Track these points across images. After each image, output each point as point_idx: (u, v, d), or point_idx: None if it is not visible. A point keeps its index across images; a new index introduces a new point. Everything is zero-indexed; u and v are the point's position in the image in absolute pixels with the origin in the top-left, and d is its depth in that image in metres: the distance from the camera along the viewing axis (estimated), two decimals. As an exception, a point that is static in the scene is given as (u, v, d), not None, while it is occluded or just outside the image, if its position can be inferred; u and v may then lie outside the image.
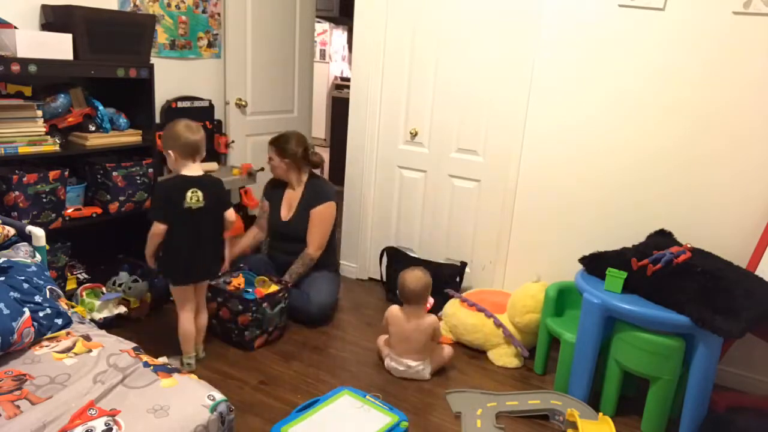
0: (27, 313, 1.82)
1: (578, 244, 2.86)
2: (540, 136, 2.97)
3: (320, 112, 8.24)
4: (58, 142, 2.71)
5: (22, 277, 1.96)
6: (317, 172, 3.29)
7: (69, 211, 2.81)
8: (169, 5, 3.44)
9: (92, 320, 2.60)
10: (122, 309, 2.83)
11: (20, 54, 2.50)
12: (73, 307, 2.25)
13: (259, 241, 3.38)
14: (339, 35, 8.74)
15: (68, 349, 1.82)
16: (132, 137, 3.05)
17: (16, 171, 2.61)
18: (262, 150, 4.18)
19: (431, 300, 2.93)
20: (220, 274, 2.80)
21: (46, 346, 1.83)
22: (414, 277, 2.60)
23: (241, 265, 3.07)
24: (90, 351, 1.82)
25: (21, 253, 2.10)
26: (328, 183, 3.28)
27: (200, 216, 2.40)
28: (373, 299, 3.44)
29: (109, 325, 2.70)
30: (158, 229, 2.37)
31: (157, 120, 3.39)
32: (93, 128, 2.90)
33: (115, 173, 2.94)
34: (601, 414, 2.31)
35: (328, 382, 2.53)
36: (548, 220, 3.03)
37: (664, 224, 2.69)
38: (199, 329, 2.59)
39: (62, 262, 2.89)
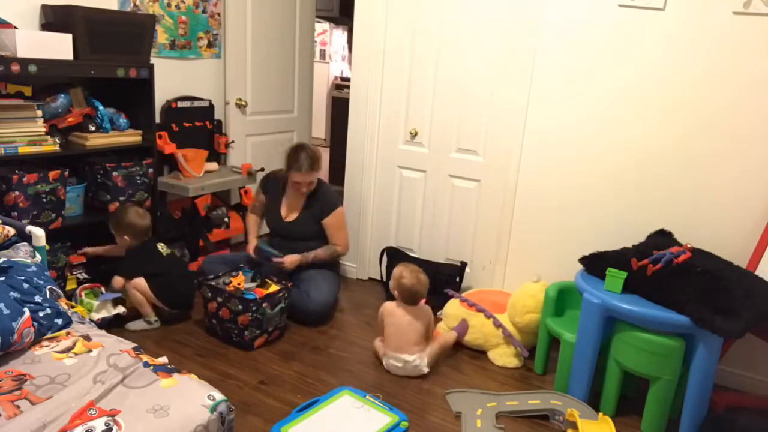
0: (27, 313, 1.82)
1: (578, 244, 2.86)
2: (540, 136, 2.97)
3: (320, 112, 8.24)
4: (58, 142, 2.72)
5: (22, 277, 1.96)
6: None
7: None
8: (169, 5, 3.44)
9: (91, 320, 2.60)
10: (121, 309, 2.82)
11: (20, 54, 2.51)
12: (73, 307, 2.25)
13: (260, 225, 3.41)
14: (339, 35, 8.74)
15: (68, 349, 1.82)
16: (132, 137, 3.05)
17: (16, 171, 2.61)
18: (262, 150, 4.20)
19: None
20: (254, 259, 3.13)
21: (46, 346, 1.83)
22: (420, 282, 2.62)
23: (241, 265, 3.08)
24: (90, 351, 1.82)
25: (21, 253, 2.10)
26: (328, 186, 3.28)
27: (172, 257, 2.89)
28: (373, 299, 3.44)
29: (107, 325, 2.70)
30: (118, 284, 2.82)
31: (158, 120, 3.39)
32: (93, 128, 2.90)
33: (115, 173, 2.94)
34: (601, 414, 2.31)
35: (328, 382, 2.53)
36: (548, 220, 3.03)
37: (664, 224, 2.69)
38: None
39: (62, 262, 2.89)
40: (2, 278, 1.92)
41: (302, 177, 3.03)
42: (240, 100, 3.93)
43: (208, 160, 3.64)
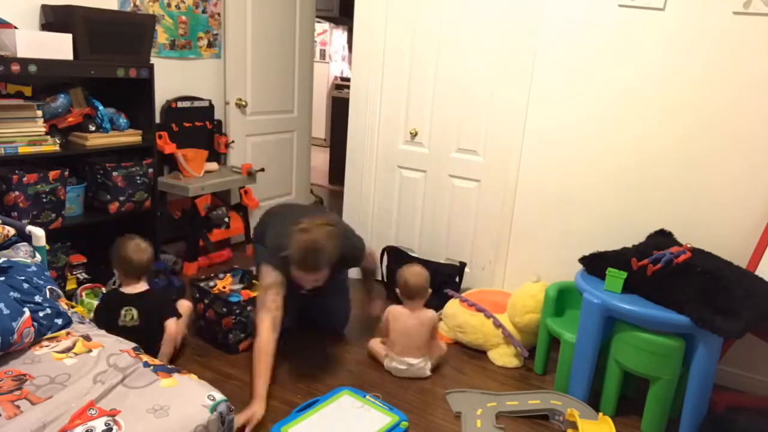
0: (27, 313, 1.82)
1: (578, 244, 2.86)
2: (540, 136, 2.97)
3: (320, 112, 8.24)
4: (58, 142, 2.72)
5: (22, 277, 1.96)
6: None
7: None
8: (169, 5, 3.44)
9: (90, 320, 2.60)
10: None
11: (20, 54, 2.51)
12: (73, 307, 2.25)
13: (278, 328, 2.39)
14: (339, 35, 8.74)
15: (68, 349, 1.82)
16: (132, 137, 3.05)
17: (16, 171, 2.61)
18: (262, 150, 4.20)
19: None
20: None
21: (46, 346, 1.83)
22: (414, 273, 2.63)
23: (235, 266, 3.03)
24: (90, 351, 1.82)
25: (21, 253, 2.10)
26: (351, 232, 2.70)
27: (135, 331, 2.32)
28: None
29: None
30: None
31: (158, 120, 3.39)
32: (93, 128, 2.90)
33: (115, 173, 2.94)
34: (601, 414, 2.32)
35: (328, 382, 2.53)
36: (548, 220, 3.03)
37: (664, 224, 2.69)
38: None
39: (62, 262, 2.89)
40: (2, 278, 1.92)
41: (305, 276, 2.32)
42: (240, 100, 3.93)
43: (208, 160, 3.65)
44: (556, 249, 3.02)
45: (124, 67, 2.88)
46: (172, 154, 3.42)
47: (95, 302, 2.74)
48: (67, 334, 1.92)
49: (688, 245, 2.45)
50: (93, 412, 1.50)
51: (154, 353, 2.33)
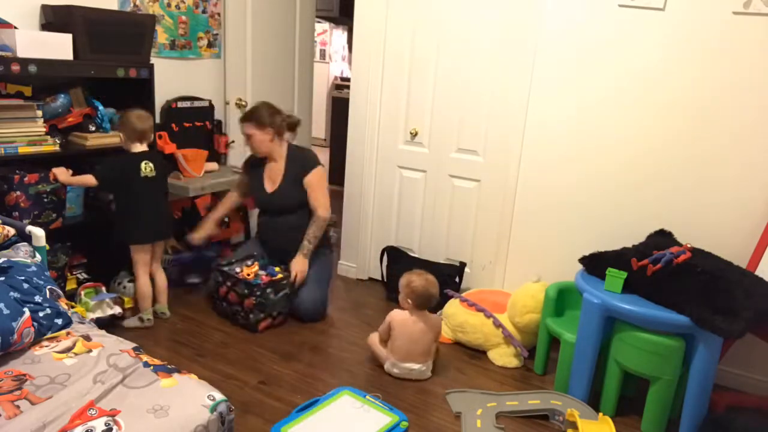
0: (27, 313, 1.82)
1: (578, 244, 2.86)
2: (540, 136, 2.97)
3: (320, 112, 8.24)
4: (58, 142, 2.72)
5: (22, 277, 1.96)
6: (294, 135, 3.26)
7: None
8: (169, 5, 3.44)
9: (91, 320, 2.60)
10: (117, 310, 2.81)
11: (20, 54, 2.51)
12: (73, 307, 2.25)
13: (236, 204, 3.40)
14: (339, 35, 8.74)
15: (68, 349, 1.82)
16: (132, 137, 3.05)
17: (17, 171, 2.61)
18: (262, 150, 4.19)
19: None
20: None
21: (46, 346, 1.83)
22: (431, 283, 2.59)
23: (255, 253, 3.17)
24: (90, 351, 1.82)
25: (21, 253, 2.10)
26: (308, 150, 3.29)
27: (153, 183, 2.81)
28: (373, 299, 3.44)
29: (102, 325, 2.68)
30: (90, 183, 2.75)
31: (158, 120, 3.39)
32: (93, 128, 2.90)
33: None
34: (601, 414, 2.32)
35: (328, 382, 2.53)
36: (548, 220, 3.03)
37: (664, 224, 2.69)
38: (160, 290, 2.94)
39: (62, 262, 2.89)
40: (2, 278, 1.92)
41: (245, 131, 3.08)
42: (240, 100, 3.93)
43: (208, 160, 3.64)
44: (556, 249, 3.02)
45: (124, 67, 2.88)
46: (172, 155, 3.42)
47: (91, 302, 2.74)
48: (67, 334, 1.92)
49: (688, 245, 2.45)
50: (93, 412, 1.49)
51: (165, 204, 2.94)
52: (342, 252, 3.76)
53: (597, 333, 2.32)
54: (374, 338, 2.74)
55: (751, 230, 2.55)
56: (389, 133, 3.47)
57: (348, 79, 7.00)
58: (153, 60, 3.15)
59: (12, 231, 2.16)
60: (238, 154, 3.99)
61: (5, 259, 2.00)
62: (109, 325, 2.72)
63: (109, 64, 2.84)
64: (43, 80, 2.78)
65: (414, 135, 3.38)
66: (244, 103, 3.94)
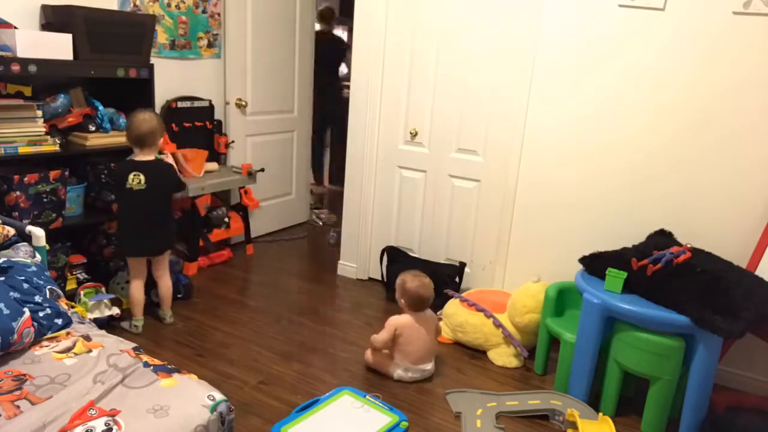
0: (27, 313, 1.82)
1: (578, 244, 2.86)
2: (540, 136, 2.97)
3: (320, 112, 8.22)
4: (58, 142, 2.72)
5: (22, 277, 1.96)
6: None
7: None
8: (169, 5, 3.44)
9: (90, 320, 2.59)
10: (115, 311, 2.80)
11: (20, 54, 2.51)
12: (73, 307, 2.25)
13: None
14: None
15: (68, 349, 1.82)
16: (132, 137, 3.05)
17: (17, 171, 2.61)
18: (262, 150, 4.20)
19: None
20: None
21: (46, 346, 1.83)
22: (425, 285, 2.58)
23: None
24: (90, 351, 1.82)
25: (21, 253, 2.10)
26: None
27: (142, 196, 2.67)
28: (373, 299, 3.44)
29: (100, 326, 2.68)
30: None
31: (157, 120, 3.39)
32: (93, 128, 2.90)
33: (117, 173, 2.94)
34: (601, 414, 2.32)
35: (328, 382, 2.53)
36: (548, 220, 3.03)
37: (664, 224, 2.69)
38: (163, 296, 2.91)
39: (62, 262, 2.89)
40: (2, 278, 1.92)
41: None
42: (240, 100, 3.93)
43: (208, 160, 3.65)
44: (556, 249, 3.02)
45: (124, 67, 2.88)
46: (172, 154, 3.42)
47: (90, 302, 2.74)
48: (67, 334, 1.92)
49: (688, 245, 2.45)
50: (93, 412, 1.49)
51: (159, 219, 2.76)
52: (342, 252, 3.77)
53: (597, 333, 2.32)
54: (372, 354, 2.65)
55: (751, 230, 2.55)
56: (389, 133, 3.47)
57: (348, 79, 6.98)
58: (153, 60, 3.15)
59: (12, 231, 2.16)
60: (237, 154, 4.00)
61: (5, 259, 2.00)
62: (107, 325, 2.72)
63: (109, 64, 2.84)
64: (43, 80, 2.79)
65: (414, 135, 3.38)
66: (244, 103, 3.94)
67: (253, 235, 4.10)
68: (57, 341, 1.87)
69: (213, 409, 1.61)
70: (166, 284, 2.90)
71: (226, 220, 3.80)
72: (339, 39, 5.88)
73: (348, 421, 2.20)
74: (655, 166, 2.71)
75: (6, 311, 1.75)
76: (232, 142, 3.93)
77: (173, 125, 3.53)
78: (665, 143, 2.68)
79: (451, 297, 3.02)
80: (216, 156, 3.85)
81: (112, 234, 3.08)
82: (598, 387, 2.46)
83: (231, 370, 2.57)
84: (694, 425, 2.24)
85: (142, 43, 3.00)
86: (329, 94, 5.41)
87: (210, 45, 3.74)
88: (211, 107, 3.79)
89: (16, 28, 2.60)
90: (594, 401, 2.43)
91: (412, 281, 2.58)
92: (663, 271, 2.23)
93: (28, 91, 2.71)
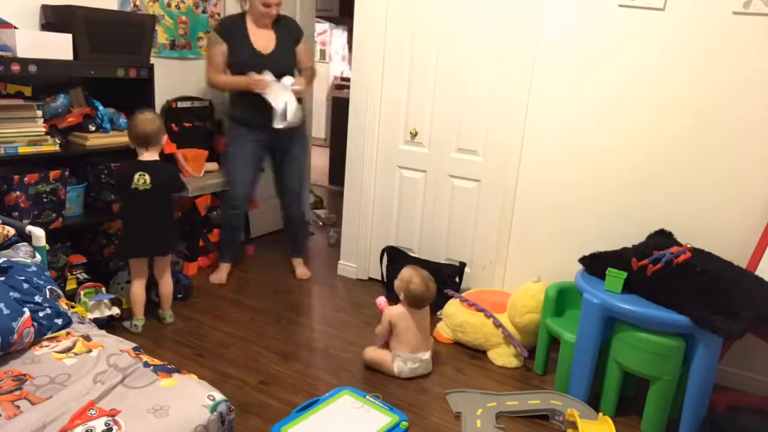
0: (27, 313, 1.82)
1: (578, 244, 2.86)
2: (540, 136, 2.97)
3: (320, 112, 8.24)
4: (58, 142, 2.72)
5: (22, 277, 1.96)
6: None
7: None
8: (169, 5, 3.44)
9: (90, 320, 2.59)
10: (115, 311, 2.79)
11: (20, 54, 2.51)
12: (73, 307, 2.25)
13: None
14: (339, 35, 8.74)
15: (68, 349, 1.82)
16: (132, 137, 3.05)
17: (17, 171, 2.61)
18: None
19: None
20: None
21: (46, 346, 1.83)
22: (429, 289, 2.60)
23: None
24: (90, 351, 1.82)
25: (21, 253, 2.10)
26: (287, 17, 3.37)
27: (147, 197, 2.68)
28: (373, 299, 3.41)
29: (101, 326, 2.68)
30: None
31: (157, 120, 3.39)
32: (93, 128, 2.90)
33: (117, 173, 2.93)
34: (601, 414, 2.32)
35: (328, 382, 2.53)
36: (548, 220, 3.03)
37: (664, 224, 2.69)
38: (164, 297, 2.91)
39: (62, 262, 2.89)
40: (2, 278, 1.92)
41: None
42: (240, 100, 3.92)
43: (208, 160, 3.64)
44: (556, 249, 3.02)
45: (124, 67, 2.88)
46: (172, 154, 3.42)
47: (90, 302, 2.74)
48: (67, 334, 1.92)
49: (688, 245, 2.45)
50: (93, 412, 1.49)
51: (163, 219, 2.77)
52: (342, 252, 3.77)
53: (597, 333, 2.32)
54: (370, 351, 2.68)
55: (751, 230, 2.55)
56: (389, 133, 3.47)
57: (348, 79, 6.99)
58: (153, 60, 3.15)
59: (12, 231, 2.16)
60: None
61: (5, 259, 2.00)
62: (107, 325, 2.72)
63: (109, 64, 2.84)
64: (43, 80, 2.79)
65: (414, 135, 3.38)
66: (244, 103, 3.93)
67: (253, 235, 4.10)
68: (57, 341, 1.87)
69: (213, 409, 1.61)
70: (167, 284, 2.90)
71: (226, 220, 3.79)
72: None
73: (348, 421, 2.20)
74: (655, 166, 2.71)
75: (6, 311, 1.75)
76: (232, 142, 3.93)
77: (173, 125, 3.52)
78: (665, 143, 2.68)
79: (451, 297, 3.02)
80: (216, 156, 3.85)
81: (112, 234, 3.08)
82: (598, 387, 2.46)
83: (231, 370, 2.57)
84: (694, 425, 2.24)
85: (142, 43, 3.00)
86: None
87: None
88: (211, 107, 3.78)
89: (16, 28, 2.60)
90: (594, 401, 2.43)
91: (418, 285, 2.59)
92: (663, 271, 2.23)
93: (28, 91, 2.71)
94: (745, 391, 2.66)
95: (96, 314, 2.73)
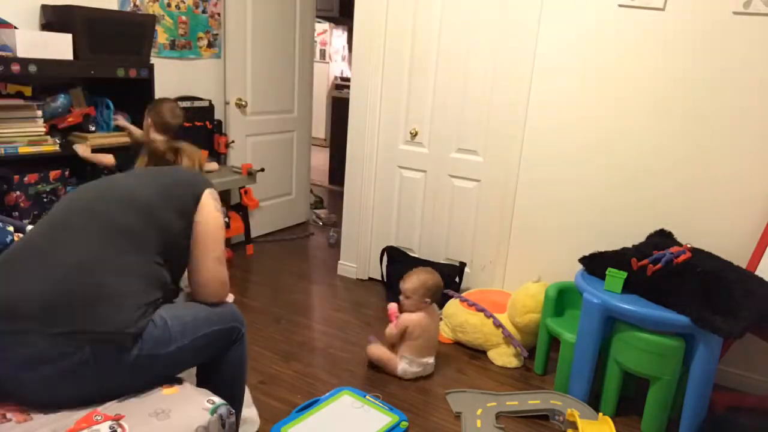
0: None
1: (578, 244, 2.86)
2: (540, 136, 2.97)
3: (320, 112, 8.25)
4: (58, 142, 2.72)
5: (23, 278, 1.96)
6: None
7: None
8: (169, 5, 3.44)
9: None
10: None
11: (20, 54, 2.51)
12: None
13: None
14: (339, 35, 8.74)
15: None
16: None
17: (17, 171, 2.61)
18: (262, 150, 4.20)
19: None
20: None
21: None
22: (436, 274, 2.66)
23: None
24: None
25: (21, 254, 2.10)
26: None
27: None
28: (373, 299, 3.44)
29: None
30: (109, 163, 2.78)
31: (157, 120, 3.39)
32: (93, 128, 2.90)
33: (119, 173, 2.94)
34: (601, 414, 2.32)
35: (328, 382, 2.53)
36: (548, 220, 3.03)
37: (664, 224, 2.70)
38: None
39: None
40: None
41: None
42: (240, 100, 3.93)
43: (208, 160, 3.65)
44: (556, 249, 3.02)
45: (124, 67, 2.88)
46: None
47: None
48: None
49: (688, 245, 2.45)
50: (98, 417, 1.52)
51: None
52: (342, 252, 3.77)
53: (597, 333, 2.32)
54: (375, 349, 2.67)
55: (751, 230, 2.55)
56: (389, 133, 3.47)
57: (348, 79, 7.00)
58: (153, 60, 3.15)
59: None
60: (237, 154, 4.00)
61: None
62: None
63: (109, 64, 2.84)
64: (43, 80, 2.79)
65: (414, 135, 3.38)
66: (244, 102, 3.94)
67: (253, 235, 4.10)
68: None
69: (213, 411, 1.62)
70: None
71: (226, 220, 3.80)
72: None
73: (348, 421, 2.20)
74: (655, 165, 2.72)
75: (7, 312, 1.75)
76: (232, 142, 3.93)
77: (173, 125, 3.53)
78: (664, 143, 2.68)
79: (451, 297, 3.03)
80: (216, 156, 3.85)
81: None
82: (598, 387, 2.46)
83: (231, 371, 2.57)
84: (694, 425, 2.24)
85: (142, 43, 3.00)
86: None
87: (210, 45, 3.74)
88: (211, 107, 3.79)
89: (16, 28, 2.60)
90: (594, 401, 2.43)
91: (429, 278, 2.63)
92: (663, 271, 2.24)
93: (28, 91, 2.71)
94: (745, 391, 2.66)
95: None
